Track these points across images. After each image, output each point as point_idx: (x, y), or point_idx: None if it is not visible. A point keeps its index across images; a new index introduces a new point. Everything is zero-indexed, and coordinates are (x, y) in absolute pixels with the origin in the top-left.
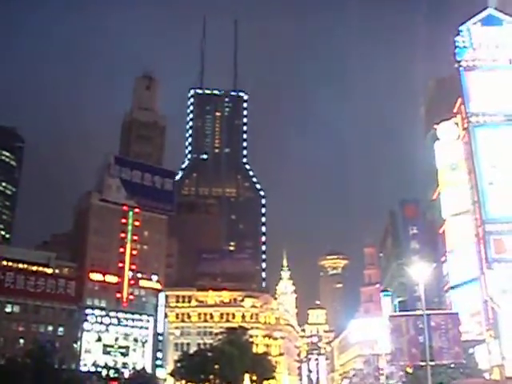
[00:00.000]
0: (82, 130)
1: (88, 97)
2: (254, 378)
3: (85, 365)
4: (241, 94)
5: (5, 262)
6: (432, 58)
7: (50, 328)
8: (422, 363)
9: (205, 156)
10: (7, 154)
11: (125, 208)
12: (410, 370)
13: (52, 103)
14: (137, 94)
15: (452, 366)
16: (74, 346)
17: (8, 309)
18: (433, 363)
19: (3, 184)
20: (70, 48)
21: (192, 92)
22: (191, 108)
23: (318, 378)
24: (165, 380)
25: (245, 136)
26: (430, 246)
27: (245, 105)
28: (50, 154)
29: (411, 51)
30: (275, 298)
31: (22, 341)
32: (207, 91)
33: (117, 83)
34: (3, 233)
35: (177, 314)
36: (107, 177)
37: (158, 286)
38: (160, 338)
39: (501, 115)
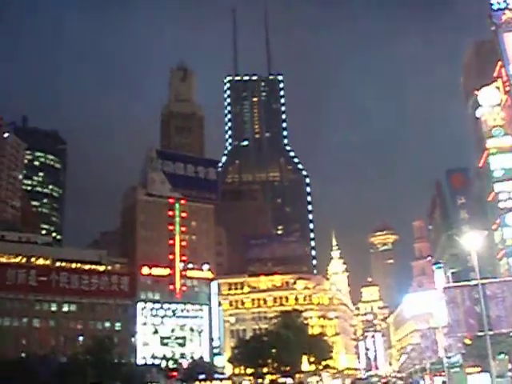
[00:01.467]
0: (122, 127)
1: (125, 94)
2: (312, 359)
3: (143, 358)
4: (276, 77)
5: (58, 263)
6: (467, 24)
7: (107, 324)
8: (481, 333)
9: (245, 142)
10: (51, 157)
11: (171, 200)
12: (468, 342)
13: (90, 103)
14: (173, 87)
15: None
16: (132, 339)
17: (65, 308)
18: (491, 332)
19: (50, 187)
20: (105, 47)
21: (227, 79)
22: (228, 95)
23: (375, 355)
24: (223, 367)
25: (284, 118)
26: (479, 215)
27: (281, 87)
28: (93, 153)
29: (446, 16)
30: (327, 279)
31: (81, 338)
32: (243, 77)
33: (152, 77)
34: (54, 234)
35: (230, 302)
36: (150, 171)
37: (210, 275)
38: (215, 326)
39: None
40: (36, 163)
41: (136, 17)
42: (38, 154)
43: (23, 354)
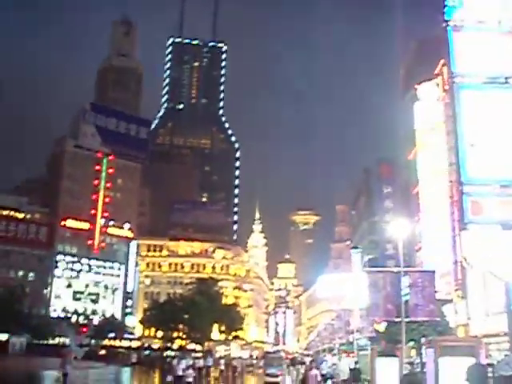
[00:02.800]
0: (58, 75)
1: (64, 42)
2: (223, 328)
3: (54, 310)
4: (220, 44)
5: None
6: (414, 20)
7: (21, 273)
8: (397, 319)
9: (181, 106)
10: None
11: (99, 155)
12: (379, 328)
13: (27, 46)
14: (114, 40)
15: (425, 323)
16: (44, 291)
17: None
18: (407, 319)
19: None
20: None
21: (171, 40)
22: (169, 57)
23: (284, 331)
24: (134, 327)
25: (222, 88)
26: (403, 206)
27: (224, 56)
28: (26, 99)
29: (394, 13)
30: (246, 251)
31: None
32: (186, 40)
33: (94, 28)
34: None
35: (148, 263)
36: (82, 123)
37: (130, 235)
38: (130, 286)
39: (485, 77)
40: None
41: None
42: None
43: None
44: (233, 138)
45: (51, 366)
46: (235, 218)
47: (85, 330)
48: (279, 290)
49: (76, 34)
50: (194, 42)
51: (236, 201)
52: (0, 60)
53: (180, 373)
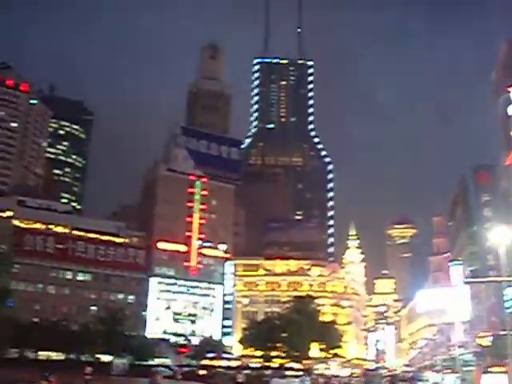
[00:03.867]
0: (148, 102)
1: (154, 69)
2: (322, 346)
3: (155, 332)
4: (306, 62)
5: (76, 232)
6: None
7: (120, 296)
8: (503, 332)
9: (271, 125)
10: (77, 127)
11: (192, 178)
12: (483, 342)
13: (118, 76)
14: (202, 64)
15: None
16: (144, 313)
17: (80, 277)
18: None
19: (73, 157)
20: (137, 22)
21: (257, 61)
22: (256, 77)
23: (385, 348)
24: (232, 347)
25: (311, 104)
26: (503, 214)
27: (310, 72)
28: (118, 126)
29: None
30: (342, 267)
31: (93, 308)
32: (272, 60)
33: (183, 54)
34: (74, 204)
35: (245, 283)
36: (174, 147)
37: (226, 255)
38: (228, 306)
39: None
40: (61, 132)
41: None
42: (64, 123)
43: (36, 319)
44: (324, 154)
45: None
46: (330, 234)
47: (184, 350)
48: (378, 305)
49: (163, 61)
50: (281, 61)
51: (331, 217)
52: (92, 92)
53: None
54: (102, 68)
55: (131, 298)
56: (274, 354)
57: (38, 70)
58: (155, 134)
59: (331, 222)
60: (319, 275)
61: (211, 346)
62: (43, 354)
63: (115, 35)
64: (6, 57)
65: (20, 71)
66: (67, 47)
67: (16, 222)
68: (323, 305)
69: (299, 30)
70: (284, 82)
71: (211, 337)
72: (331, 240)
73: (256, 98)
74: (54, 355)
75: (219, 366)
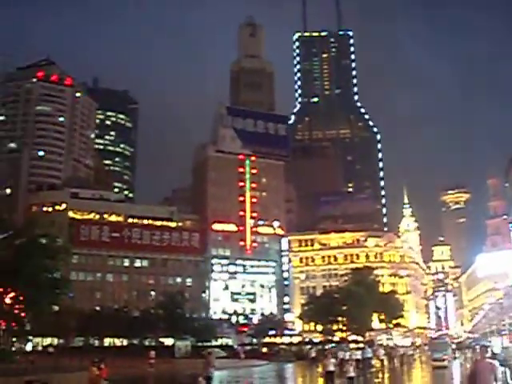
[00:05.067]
0: (191, 85)
1: (193, 51)
2: (382, 317)
3: (214, 313)
4: (346, 32)
5: (131, 220)
6: None
7: (179, 280)
8: None
9: (315, 99)
10: (122, 116)
11: (241, 157)
12: None
13: (159, 62)
14: (242, 42)
15: None
16: (203, 295)
17: (137, 263)
18: None
19: (121, 146)
20: (171, 6)
21: (296, 36)
22: (297, 52)
23: (446, 315)
24: (293, 323)
25: (354, 75)
26: None
27: (351, 43)
28: (163, 112)
29: None
30: (398, 236)
31: (153, 293)
32: (312, 33)
33: (220, 35)
34: (126, 192)
35: (300, 259)
36: (221, 128)
37: (280, 232)
38: (285, 282)
39: None
40: (107, 123)
41: None
42: (110, 113)
43: (98, 307)
44: (371, 124)
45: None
46: (383, 203)
47: (245, 329)
48: (436, 273)
49: (202, 43)
50: (320, 34)
51: (382, 186)
52: (134, 81)
53: (331, 368)
54: (142, 56)
55: (189, 280)
56: (335, 327)
57: (81, 64)
58: (201, 117)
59: (383, 193)
60: (375, 246)
61: (272, 324)
62: (107, 341)
63: (150, 19)
64: (49, 51)
65: (63, 66)
66: (105, 38)
67: (71, 214)
68: (381, 275)
69: None
70: (325, 55)
71: (271, 314)
72: (384, 210)
73: (298, 73)
74: (118, 342)
75: (281, 343)
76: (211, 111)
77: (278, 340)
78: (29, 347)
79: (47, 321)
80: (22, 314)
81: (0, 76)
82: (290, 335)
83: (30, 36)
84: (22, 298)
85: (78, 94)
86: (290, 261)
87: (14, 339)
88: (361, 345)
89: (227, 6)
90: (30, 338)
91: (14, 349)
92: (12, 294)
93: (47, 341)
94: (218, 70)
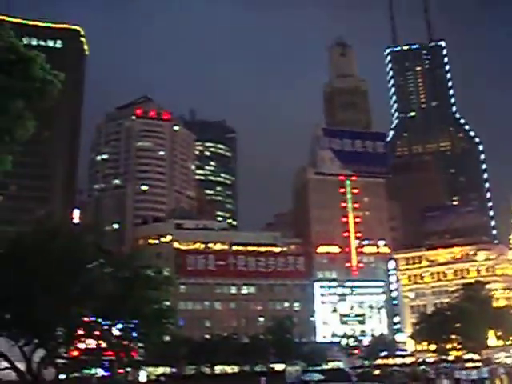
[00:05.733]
0: (284, 109)
1: (284, 75)
2: (499, 333)
3: (324, 337)
4: (438, 43)
5: (235, 247)
6: None
7: (286, 304)
8: None
9: (412, 113)
10: (221, 146)
11: (341, 178)
12: None
13: (252, 89)
14: (333, 63)
15: None
16: (311, 319)
17: (244, 290)
18: None
19: (222, 175)
20: (259, 33)
21: (388, 51)
22: (390, 67)
23: None
24: (405, 343)
25: (450, 85)
26: None
27: (444, 53)
28: (260, 139)
29: None
30: (510, 249)
31: (261, 319)
32: (403, 47)
33: (309, 56)
34: (230, 220)
35: (409, 277)
36: (319, 150)
37: (386, 251)
38: (394, 302)
39: None
40: (207, 153)
41: None
42: (208, 144)
43: (207, 335)
44: (472, 134)
45: None
46: (491, 215)
47: (356, 351)
48: None
49: (291, 66)
50: (411, 47)
51: (489, 198)
52: (229, 110)
53: None
54: (234, 85)
55: (296, 305)
56: (449, 346)
57: (177, 97)
58: (297, 139)
59: (490, 204)
60: (486, 259)
61: (383, 345)
62: (218, 369)
63: (237, 47)
64: (145, 88)
65: (160, 101)
66: (197, 71)
67: (176, 245)
68: (494, 290)
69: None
70: (419, 68)
71: (382, 335)
72: (493, 222)
73: (393, 89)
74: (229, 369)
75: (394, 364)
76: (306, 134)
77: (390, 361)
78: (142, 377)
79: (158, 350)
80: (132, 345)
81: (101, 116)
82: (403, 356)
83: (125, 73)
84: (129, 329)
85: (176, 128)
86: (397, 280)
87: (129, 369)
88: (478, 363)
89: (313, 29)
90: (143, 367)
91: (129, 379)
92: (120, 326)
93: (160, 370)
94: (310, 91)
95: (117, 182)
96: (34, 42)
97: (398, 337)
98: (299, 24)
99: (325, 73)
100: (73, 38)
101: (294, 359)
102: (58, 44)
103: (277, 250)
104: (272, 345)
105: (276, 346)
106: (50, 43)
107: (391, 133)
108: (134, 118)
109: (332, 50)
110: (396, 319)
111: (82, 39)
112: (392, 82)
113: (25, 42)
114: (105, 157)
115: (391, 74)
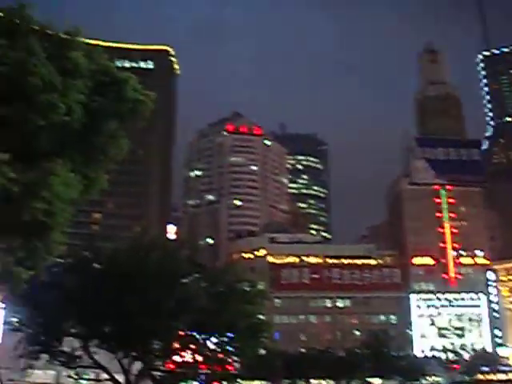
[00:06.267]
0: (373, 117)
1: (372, 84)
2: None
3: (422, 350)
4: None
5: (329, 260)
6: None
7: (382, 317)
8: None
9: (509, 118)
10: (312, 159)
11: (436, 187)
12: None
13: (338, 101)
14: (423, 70)
15: None
16: (408, 332)
17: (339, 303)
18: None
19: (315, 188)
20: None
21: (480, 56)
22: (483, 72)
23: None
24: (508, 358)
25: None
26: None
27: None
28: (350, 149)
29: None
30: None
31: (357, 332)
32: (496, 51)
33: (399, 64)
34: (323, 233)
35: (510, 288)
36: (412, 159)
37: (485, 262)
38: (496, 314)
39: None
40: (299, 167)
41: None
42: (300, 157)
43: (302, 349)
44: None
45: None
46: None
47: (456, 366)
48: None
49: (379, 74)
50: (505, 50)
51: None
52: (318, 122)
53: None
54: (321, 97)
55: (393, 318)
56: None
57: (267, 112)
58: (388, 149)
59: None
60: None
61: (484, 360)
62: (314, 383)
63: (326, 63)
64: (236, 104)
65: (250, 116)
66: (283, 83)
67: (270, 259)
68: None
69: None
70: None
71: (483, 349)
72: None
73: (487, 94)
74: (324, 383)
75: (497, 380)
76: (398, 144)
77: (492, 377)
78: None
79: (254, 364)
80: (227, 359)
81: (193, 133)
82: (506, 372)
83: (214, 90)
84: (225, 343)
85: (267, 142)
86: (498, 291)
87: (224, 383)
88: None
89: (401, 35)
90: (240, 381)
91: None
92: (215, 340)
93: (256, 383)
94: (399, 101)
95: (210, 197)
96: (127, 64)
97: (501, 351)
98: (386, 32)
99: (415, 81)
100: (163, 58)
101: (390, 374)
102: (150, 65)
103: (372, 262)
104: (368, 359)
105: (372, 359)
106: (142, 64)
107: (487, 140)
108: (225, 133)
109: (422, 57)
110: (498, 333)
111: (172, 59)
112: (486, 87)
113: (118, 65)
114: (198, 173)
115: (484, 78)
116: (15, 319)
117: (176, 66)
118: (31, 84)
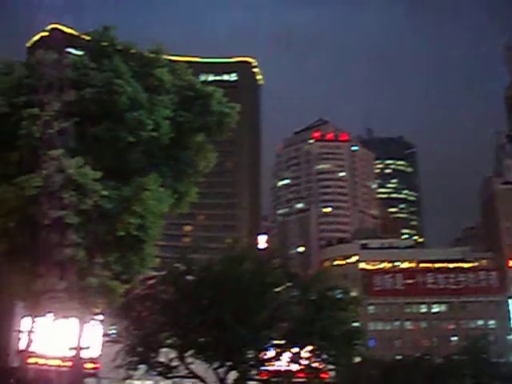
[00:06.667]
0: (460, 118)
1: (458, 83)
2: None
3: None
4: None
5: (423, 265)
6: None
7: (480, 322)
8: None
9: None
10: (401, 162)
11: None
12: None
13: (424, 103)
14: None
15: None
16: (509, 337)
17: (435, 309)
18: None
19: (405, 191)
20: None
21: None
22: None
23: None
24: None
25: None
26: None
27: None
28: (439, 151)
29: None
30: None
31: (454, 338)
32: None
33: (485, 62)
34: (416, 237)
35: None
36: (504, 158)
37: None
38: None
39: None
40: (387, 171)
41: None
42: (388, 161)
43: (398, 356)
44: None
45: None
46: None
47: None
48: None
49: (465, 70)
50: None
51: None
52: (405, 124)
53: None
54: (406, 99)
55: (492, 322)
56: None
57: (353, 117)
58: (479, 148)
59: None
60: None
61: None
62: None
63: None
64: (321, 112)
65: (336, 122)
66: (367, 88)
67: (362, 265)
68: None
69: None
70: None
71: None
72: None
73: None
74: None
75: None
76: (489, 142)
77: None
78: None
79: (349, 372)
80: (322, 367)
81: (279, 142)
82: None
83: (298, 97)
84: (319, 351)
85: (354, 148)
86: None
87: None
88: None
89: (486, 30)
90: None
91: None
92: (309, 348)
93: None
94: (488, 99)
95: (300, 205)
96: (211, 78)
97: None
98: (471, 29)
99: (503, 78)
100: (246, 70)
101: (491, 381)
102: (233, 77)
103: (467, 265)
104: (467, 365)
105: (472, 366)
106: (226, 77)
107: None
108: (311, 141)
109: (508, 51)
110: None
111: (255, 70)
112: None
113: (202, 79)
114: (286, 182)
115: None
116: (113, 331)
117: (259, 77)
118: (119, 103)
